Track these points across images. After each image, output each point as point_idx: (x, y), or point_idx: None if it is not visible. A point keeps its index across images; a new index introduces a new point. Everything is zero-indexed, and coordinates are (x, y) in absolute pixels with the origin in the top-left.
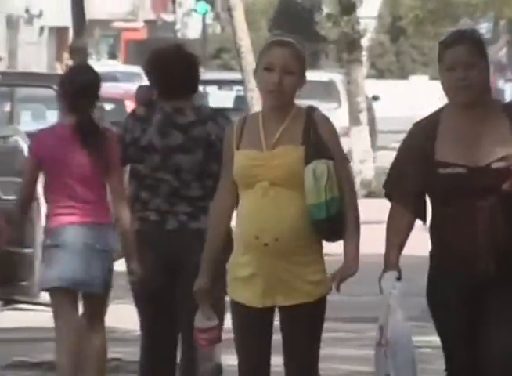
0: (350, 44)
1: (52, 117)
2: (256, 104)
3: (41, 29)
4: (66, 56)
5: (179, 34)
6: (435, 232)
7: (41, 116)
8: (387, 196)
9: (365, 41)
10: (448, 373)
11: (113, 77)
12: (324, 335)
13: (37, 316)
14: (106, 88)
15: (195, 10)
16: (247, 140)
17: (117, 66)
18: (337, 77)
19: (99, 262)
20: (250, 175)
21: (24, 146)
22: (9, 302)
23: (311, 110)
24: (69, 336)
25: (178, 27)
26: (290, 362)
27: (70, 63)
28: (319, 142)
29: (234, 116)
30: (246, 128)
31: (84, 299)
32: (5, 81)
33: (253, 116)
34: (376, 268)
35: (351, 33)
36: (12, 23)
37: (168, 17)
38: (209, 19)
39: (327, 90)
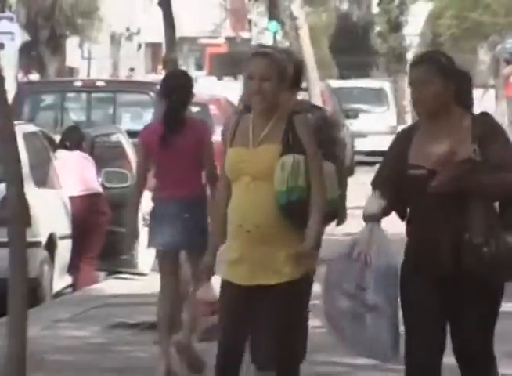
0: (397, 57)
1: (147, 118)
2: (315, 99)
3: (139, 45)
4: (159, 67)
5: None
6: (408, 228)
7: (138, 117)
8: (371, 183)
9: (409, 55)
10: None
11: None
12: None
13: (135, 284)
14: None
15: (267, 29)
16: (239, 139)
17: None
18: (386, 85)
19: (192, 225)
20: (236, 169)
21: (124, 142)
22: (112, 273)
23: (293, 113)
24: (169, 292)
25: (253, 43)
26: (270, 332)
27: (163, 73)
28: (295, 140)
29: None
30: (239, 129)
31: (188, 259)
32: (109, 88)
33: (246, 118)
34: None
35: (398, 48)
36: (115, 40)
37: (245, 35)
38: (279, 37)
39: (378, 96)
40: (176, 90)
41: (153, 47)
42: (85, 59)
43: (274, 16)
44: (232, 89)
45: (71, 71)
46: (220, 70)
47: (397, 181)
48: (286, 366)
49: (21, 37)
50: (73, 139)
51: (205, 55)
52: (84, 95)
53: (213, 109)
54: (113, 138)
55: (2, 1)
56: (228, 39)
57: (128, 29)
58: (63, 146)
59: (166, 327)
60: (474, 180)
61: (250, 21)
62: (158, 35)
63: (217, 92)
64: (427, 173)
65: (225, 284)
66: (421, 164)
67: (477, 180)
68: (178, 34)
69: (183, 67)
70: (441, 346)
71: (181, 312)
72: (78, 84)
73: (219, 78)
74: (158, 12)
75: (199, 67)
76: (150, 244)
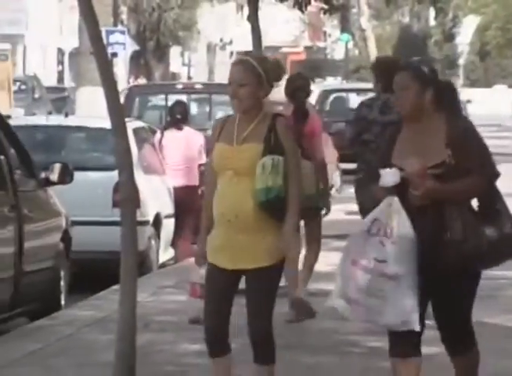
0: (450, 62)
1: None
2: None
3: (231, 53)
4: None
5: (329, 56)
6: None
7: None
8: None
9: (461, 61)
10: None
11: None
12: None
13: None
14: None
15: (340, 39)
16: (224, 136)
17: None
18: None
19: None
20: (221, 164)
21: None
22: None
23: (276, 116)
24: None
25: (328, 51)
26: (251, 311)
27: None
28: (276, 141)
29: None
30: (225, 126)
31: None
32: (206, 90)
33: (232, 117)
34: None
35: (452, 55)
36: (210, 49)
37: (321, 44)
38: (350, 46)
39: None
40: (298, 89)
41: (243, 55)
42: (185, 65)
43: (346, 29)
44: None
45: (174, 76)
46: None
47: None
48: (261, 333)
49: (131, 47)
50: (182, 111)
51: (287, 61)
52: (184, 96)
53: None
54: (209, 132)
55: (115, 17)
56: (307, 48)
57: (221, 40)
58: (174, 120)
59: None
60: (445, 191)
61: (325, 33)
62: (247, 45)
63: None
64: (404, 176)
65: (211, 267)
66: (401, 165)
67: (447, 191)
68: (264, 43)
69: None
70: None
71: None
72: (180, 86)
73: None
74: (247, 25)
75: None
76: None
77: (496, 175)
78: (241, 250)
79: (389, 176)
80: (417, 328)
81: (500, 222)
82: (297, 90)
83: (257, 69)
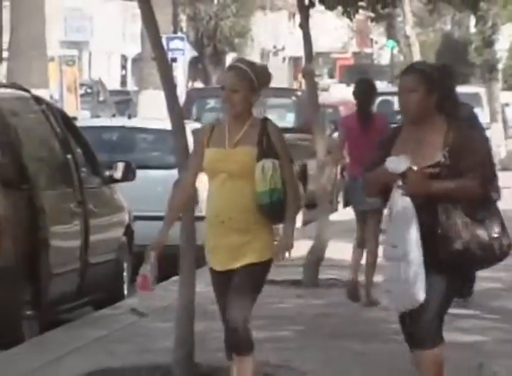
0: (490, 68)
1: (290, 117)
2: None
3: (284, 58)
4: (300, 76)
5: (375, 61)
6: None
7: (282, 117)
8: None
9: (500, 66)
10: None
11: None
12: None
13: None
14: (325, 98)
15: (386, 46)
16: (215, 141)
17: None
18: (481, 90)
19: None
20: (215, 167)
21: None
22: None
23: (266, 120)
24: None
25: (374, 56)
26: (231, 304)
27: (303, 81)
28: (269, 145)
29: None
30: (214, 132)
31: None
32: (260, 94)
33: (220, 123)
34: None
35: (491, 60)
36: (264, 55)
37: (368, 50)
38: (395, 51)
39: (475, 99)
40: (364, 93)
41: (295, 60)
42: None
43: (391, 35)
44: None
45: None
46: (348, 78)
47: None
48: (236, 322)
49: (190, 53)
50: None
51: (336, 66)
52: None
53: (342, 110)
54: None
55: (175, 25)
56: (355, 54)
57: (274, 46)
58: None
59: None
60: (437, 188)
61: (372, 39)
62: (299, 51)
63: (345, 96)
64: (401, 175)
65: (211, 270)
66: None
67: (439, 188)
68: (315, 49)
69: (318, 76)
70: None
71: None
72: None
73: (348, 85)
74: (299, 32)
75: (331, 76)
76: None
77: (490, 180)
78: (233, 250)
79: (399, 163)
80: (422, 299)
81: (490, 226)
82: (363, 93)
83: (249, 74)
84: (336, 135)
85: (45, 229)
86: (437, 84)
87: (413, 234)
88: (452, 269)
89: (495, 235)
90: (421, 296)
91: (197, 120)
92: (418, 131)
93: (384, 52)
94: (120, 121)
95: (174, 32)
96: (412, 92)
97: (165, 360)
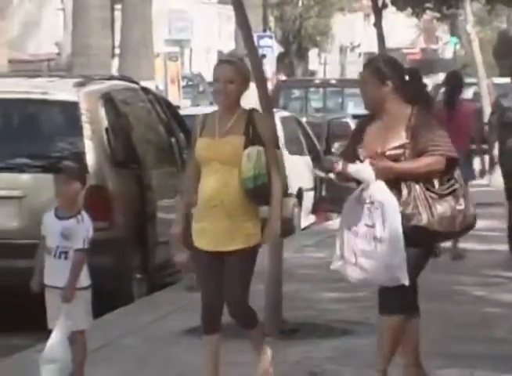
0: None
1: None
2: (484, 97)
3: (359, 54)
4: None
5: (440, 56)
6: None
7: (359, 105)
8: (341, 154)
9: None
10: None
11: None
12: None
13: None
14: None
15: (449, 42)
16: (207, 131)
17: None
18: None
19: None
20: (206, 156)
21: (350, 122)
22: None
23: (253, 110)
24: None
25: (439, 51)
26: (227, 288)
27: None
28: (255, 133)
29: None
30: (207, 122)
31: None
32: (339, 84)
33: (213, 113)
34: None
35: None
36: (342, 51)
37: (433, 46)
38: (457, 47)
39: None
40: (452, 82)
41: (369, 55)
42: (322, 64)
43: (454, 33)
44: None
45: (312, 73)
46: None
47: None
48: (237, 306)
49: (277, 49)
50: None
51: (405, 60)
52: (321, 90)
53: None
54: (343, 120)
55: (265, 24)
56: (422, 49)
57: (351, 43)
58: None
59: None
60: (398, 169)
61: (437, 36)
62: (373, 47)
63: None
64: (368, 156)
65: (196, 251)
66: (365, 149)
67: (400, 168)
68: (387, 46)
69: None
70: None
71: None
72: (317, 82)
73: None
74: (373, 31)
75: None
76: None
77: (451, 156)
78: (223, 233)
79: (365, 174)
80: (406, 283)
81: (455, 200)
82: (451, 83)
83: (243, 68)
84: None
85: (152, 203)
86: (388, 74)
87: (397, 221)
88: (416, 243)
89: (460, 207)
90: (405, 279)
91: (284, 108)
92: (384, 119)
93: (447, 47)
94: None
95: (264, 31)
96: (364, 84)
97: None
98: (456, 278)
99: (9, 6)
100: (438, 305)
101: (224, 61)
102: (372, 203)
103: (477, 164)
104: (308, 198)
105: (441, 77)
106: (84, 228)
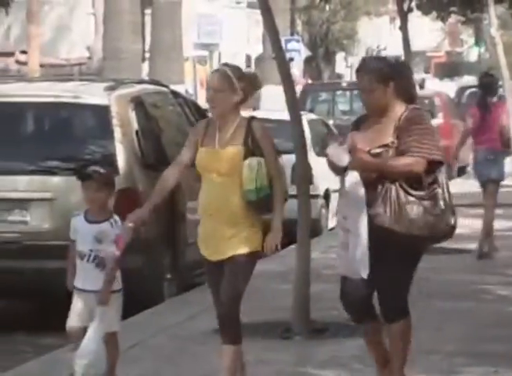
0: None
1: None
2: (509, 97)
3: (385, 56)
4: None
5: (465, 59)
6: None
7: None
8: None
9: None
10: None
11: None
12: None
13: None
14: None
15: (474, 45)
16: (207, 140)
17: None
18: None
19: (496, 164)
20: (206, 166)
21: None
22: None
23: (251, 119)
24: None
25: (464, 54)
26: (223, 293)
27: None
28: (254, 144)
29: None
30: (207, 131)
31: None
32: (350, 87)
33: (213, 122)
34: None
35: None
36: (368, 54)
37: (458, 49)
38: (482, 50)
39: None
40: (485, 83)
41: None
42: (348, 67)
43: (478, 36)
44: (449, 87)
45: (339, 76)
46: (441, 73)
47: None
48: (230, 307)
49: (305, 53)
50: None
51: (431, 63)
52: (347, 93)
53: (437, 100)
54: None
55: (292, 28)
56: (447, 52)
57: (377, 46)
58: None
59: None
60: (376, 164)
61: (461, 40)
62: (399, 50)
63: (439, 88)
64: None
65: (204, 259)
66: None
67: (378, 164)
68: (412, 49)
69: (415, 72)
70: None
71: None
72: (344, 85)
73: (440, 79)
74: (399, 34)
75: (426, 72)
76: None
77: (434, 159)
78: (222, 241)
79: (340, 156)
80: (365, 276)
81: (433, 205)
82: (485, 85)
83: (231, 77)
84: (432, 121)
85: (182, 204)
86: (391, 77)
87: (362, 214)
88: (387, 244)
89: (437, 213)
90: (364, 273)
91: (311, 111)
92: (377, 120)
93: (472, 50)
94: (245, 113)
95: (292, 35)
96: (370, 92)
97: (284, 317)
98: (481, 278)
99: (40, 11)
100: (464, 304)
101: (216, 70)
102: (346, 195)
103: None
104: (335, 199)
105: (465, 79)
106: (117, 231)
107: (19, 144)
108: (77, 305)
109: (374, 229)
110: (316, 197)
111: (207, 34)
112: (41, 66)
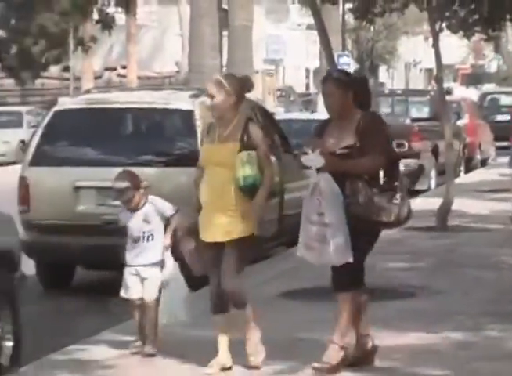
0: None
1: (425, 110)
2: None
3: (420, 69)
4: (432, 82)
5: (486, 70)
6: None
7: (420, 110)
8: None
9: None
10: None
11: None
12: None
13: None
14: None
15: (494, 58)
16: (208, 138)
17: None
18: None
19: None
20: (207, 159)
21: (411, 124)
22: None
23: (248, 120)
24: None
25: (485, 66)
26: (223, 272)
27: (434, 86)
28: (248, 140)
29: None
30: (210, 130)
31: None
32: (404, 94)
33: (213, 124)
34: None
35: None
36: (406, 67)
37: (481, 62)
38: (501, 62)
39: None
40: None
41: (428, 71)
42: (389, 78)
43: (497, 51)
44: (473, 93)
45: (381, 85)
46: (467, 82)
47: None
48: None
49: (353, 66)
50: None
51: (458, 74)
52: (389, 99)
53: (463, 104)
54: (406, 122)
55: (343, 45)
56: (471, 65)
57: (414, 60)
58: None
59: None
60: (342, 165)
61: (484, 54)
62: (431, 63)
63: (465, 94)
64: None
65: (202, 242)
66: (323, 149)
67: (344, 165)
68: (443, 62)
69: (445, 82)
70: None
71: None
72: (386, 92)
73: (466, 87)
74: (431, 50)
75: (454, 81)
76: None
77: (390, 158)
78: (219, 226)
79: (314, 161)
80: (351, 260)
81: (392, 195)
82: None
83: (224, 85)
84: (459, 122)
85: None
86: (350, 84)
87: (339, 207)
88: (358, 230)
89: (396, 202)
90: (350, 257)
91: None
92: (340, 123)
93: (492, 63)
94: (305, 115)
95: (343, 51)
96: (331, 96)
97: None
98: (502, 251)
99: (137, 33)
100: (487, 273)
101: (211, 79)
102: (321, 194)
103: None
104: None
105: (486, 87)
106: (157, 206)
107: (121, 142)
108: (132, 278)
109: (348, 218)
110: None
111: (273, 52)
112: (138, 78)
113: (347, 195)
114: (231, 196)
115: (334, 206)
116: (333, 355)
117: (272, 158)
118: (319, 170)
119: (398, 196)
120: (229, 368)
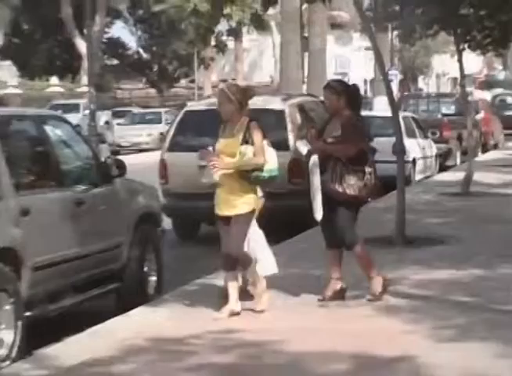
0: None
1: (451, 108)
2: None
3: (448, 78)
4: (457, 87)
5: (497, 78)
6: None
7: (449, 108)
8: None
9: None
10: None
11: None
12: None
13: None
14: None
15: (502, 69)
16: (223, 134)
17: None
18: None
19: None
20: (220, 151)
21: (442, 118)
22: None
23: (250, 121)
24: None
25: (496, 75)
26: (229, 239)
27: (459, 90)
28: (249, 137)
29: None
30: (223, 129)
31: None
32: (436, 96)
33: (226, 124)
34: None
35: None
36: (438, 77)
37: (492, 72)
38: (508, 73)
39: None
40: None
41: (454, 80)
42: (426, 84)
43: (505, 64)
44: (487, 95)
45: (420, 90)
46: (482, 87)
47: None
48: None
49: (399, 76)
50: None
51: (476, 81)
52: (426, 100)
53: (480, 103)
54: (438, 117)
55: (391, 61)
56: (485, 75)
57: (443, 72)
58: None
59: None
60: (326, 149)
61: (494, 67)
62: (456, 74)
63: (481, 96)
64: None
65: (217, 216)
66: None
67: (328, 149)
68: (465, 72)
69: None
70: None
71: None
72: (423, 95)
73: (482, 91)
74: (456, 64)
75: (473, 86)
76: None
77: (360, 147)
78: (227, 203)
79: (302, 147)
80: (318, 219)
81: (361, 176)
82: None
83: (227, 93)
84: (477, 116)
85: None
86: (342, 92)
87: (316, 177)
88: (333, 200)
89: (365, 180)
90: (318, 217)
91: (404, 110)
92: (334, 119)
93: (501, 73)
94: (364, 113)
95: (391, 65)
96: (327, 99)
97: (388, 234)
98: None
99: (243, 55)
100: (502, 226)
101: (219, 89)
102: (311, 169)
103: None
104: (419, 163)
105: (496, 91)
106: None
107: None
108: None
109: (325, 191)
110: (408, 162)
111: (341, 66)
112: None
113: (327, 172)
114: (235, 179)
115: (314, 177)
116: (377, 285)
117: (271, 150)
118: (311, 153)
119: (366, 177)
120: (238, 313)
